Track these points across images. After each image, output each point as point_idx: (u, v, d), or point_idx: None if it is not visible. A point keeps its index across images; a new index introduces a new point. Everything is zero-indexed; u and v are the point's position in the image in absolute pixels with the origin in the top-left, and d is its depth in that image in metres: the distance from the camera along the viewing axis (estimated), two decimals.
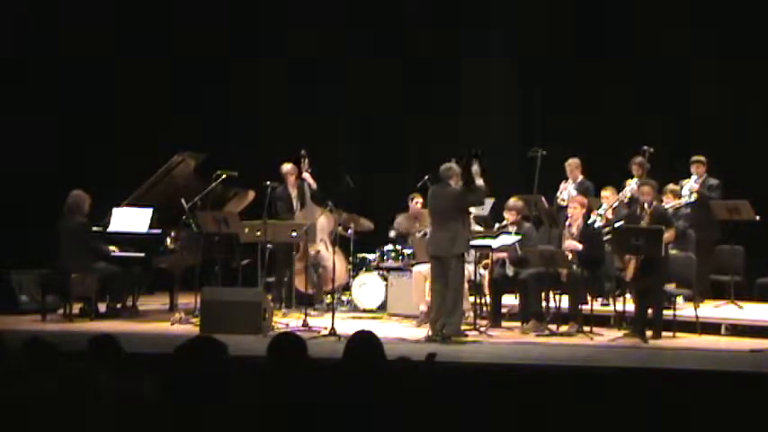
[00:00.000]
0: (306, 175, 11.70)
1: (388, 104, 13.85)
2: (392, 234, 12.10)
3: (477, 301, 10.56)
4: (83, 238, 10.60)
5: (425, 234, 10.78)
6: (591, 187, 11.59)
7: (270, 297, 10.94)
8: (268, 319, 9.91)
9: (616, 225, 10.14)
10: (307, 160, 11.69)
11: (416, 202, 11.89)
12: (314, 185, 11.75)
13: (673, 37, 12.80)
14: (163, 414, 3.61)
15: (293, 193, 11.83)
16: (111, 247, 10.90)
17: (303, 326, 9.91)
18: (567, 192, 11.63)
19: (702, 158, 11.41)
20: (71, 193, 10.70)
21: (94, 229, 10.90)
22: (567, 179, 11.84)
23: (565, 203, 11.36)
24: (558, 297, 10.28)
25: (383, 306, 11.49)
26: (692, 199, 11.19)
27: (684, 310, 10.12)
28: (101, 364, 4.26)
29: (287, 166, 11.82)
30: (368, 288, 11.68)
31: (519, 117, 13.79)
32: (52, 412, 3.81)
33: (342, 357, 4.46)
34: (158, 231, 11.08)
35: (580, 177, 11.80)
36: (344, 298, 11.92)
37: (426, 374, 4.60)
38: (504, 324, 10.50)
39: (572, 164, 11.84)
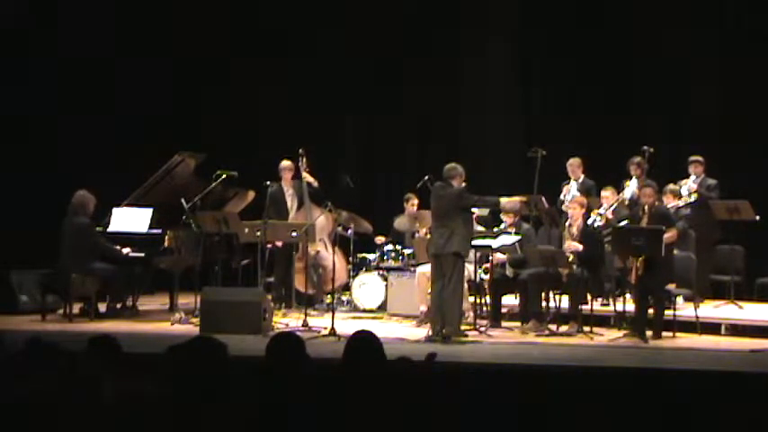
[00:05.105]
0: (305, 174, 11.68)
1: (387, 104, 13.84)
2: (378, 240, 12.07)
3: (478, 301, 10.57)
4: (84, 238, 10.58)
5: (424, 234, 10.77)
6: (593, 186, 11.56)
7: (270, 297, 10.93)
8: (268, 319, 9.90)
9: (620, 225, 10.12)
10: (305, 159, 11.67)
11: (412, 203, 11.87)
12: (315, 184, 11.72)
13: (673, 37, 12.79)
14: (163, 414, 3.61)
15: (288, 191, 11.81)
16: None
17: (303, 326, 9.90)
18: (571, 194, 11.49)
19: (700, 158, 11.40)
20: (76, 193, 10.69)
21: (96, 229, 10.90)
22: (568, 180, 11.81)
23: None
24: (558, 297, 10.28)
25: (383, 306, 11.49)
26: (693, 199, 11.19)
27: (684, 310, 10.10)
28: (101, 364, 4.25)
29: (283, 163, 11.81)
30: (368, 288, 11.68)
31: (519, 117, 13.79)
32: (52, 412, 3.80)
33: (342, 357, 4.46)
34: (158, 231, 11.08)
35: (582, 176, 11.77)
36: (344, 298, 11.91)
37: (426, 374, 4.59)
38: (504, 324, 10.49)
39: (573, 163, 11.80)
